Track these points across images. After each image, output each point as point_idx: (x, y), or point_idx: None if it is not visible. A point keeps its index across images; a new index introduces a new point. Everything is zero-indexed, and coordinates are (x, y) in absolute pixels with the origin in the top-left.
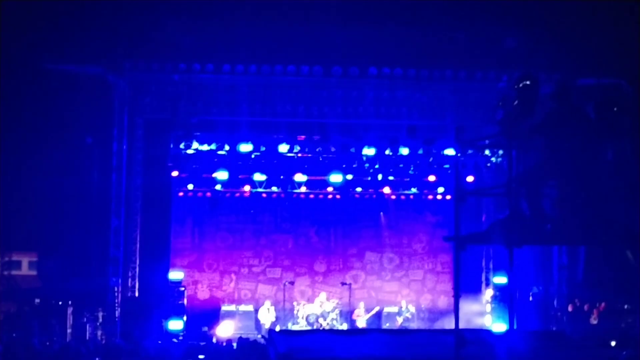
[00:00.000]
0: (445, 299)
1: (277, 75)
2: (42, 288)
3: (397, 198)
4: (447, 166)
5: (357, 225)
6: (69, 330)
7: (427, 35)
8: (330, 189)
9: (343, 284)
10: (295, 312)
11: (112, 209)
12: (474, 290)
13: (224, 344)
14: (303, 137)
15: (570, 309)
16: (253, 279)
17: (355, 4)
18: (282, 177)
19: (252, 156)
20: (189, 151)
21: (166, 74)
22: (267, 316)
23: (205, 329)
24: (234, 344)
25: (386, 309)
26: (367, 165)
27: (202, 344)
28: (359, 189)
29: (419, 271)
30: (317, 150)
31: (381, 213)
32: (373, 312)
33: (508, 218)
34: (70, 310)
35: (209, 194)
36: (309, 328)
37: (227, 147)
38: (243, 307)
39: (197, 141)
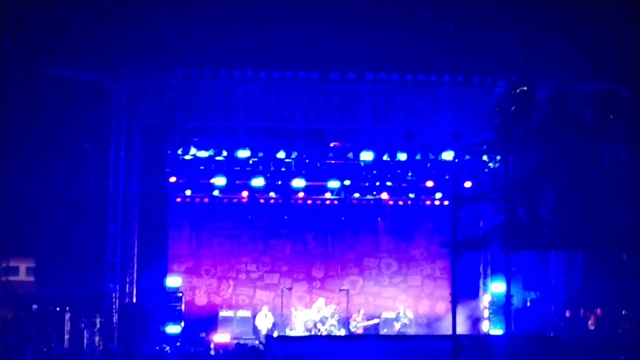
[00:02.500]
0: (443, 304)
1: (275, 80)
2: (40, 294)
3: (394, 204)
4: (446, 177)
5: (355, 231)
6: (66, 337)
7: (424, 41)
8: (328, 194)
9: (341, 289)
10: (293, 318)
11: (110, 215)
12: (472, 295)
13: (222, 350)
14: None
15: (567, 314)
16: (251, 284)
17: (352, 10)
18: (279, 182)
19: (250, 162)
20: (187, 157)
21: (163, 80)
22: (264, 322)
23: (203, 334)
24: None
25: (384, 315)
26: (364, 172)
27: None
28: (356, 195)
29: (417, 277)
30: (315, 156)
31: (379, 219)
32: (372, 322)
33: (505, 223)
34: (67, 316)
35: (206, 199)
36: (306, 334)
37: (224, 153)
38: (241, 313)
39: (194, 147)
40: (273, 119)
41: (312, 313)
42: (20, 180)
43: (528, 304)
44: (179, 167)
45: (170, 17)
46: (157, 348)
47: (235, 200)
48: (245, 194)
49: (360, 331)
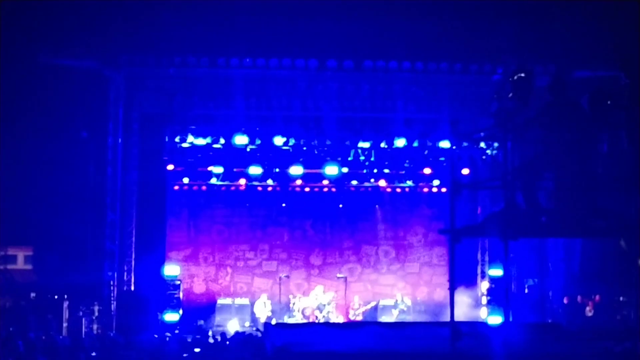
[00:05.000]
0: (441, 291)
1: (272, 68)
2: (38, 282)
3: (392, 191)
4: (442, 159)
5: (353, 218)
6: (65, 324)
7: (422, 28)
8: (325, 182)
9: (339, 277)
10: (291, 305)
11: (108, 203)
12: (470, 282)
13: (219, 338)
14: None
15: (565, 301)
16: (249, 272)
17: None
18: (277, 170)
19: (248, 149)
20: (185, 144)
21: (161, 68)
22: (263, 310)
23: (202, 322)
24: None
25: (382, 302)
26: (362, 158)
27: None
28: (354, 182)
29: (415, 264)
30: (313, 143)
31: (377, 206)
32: (369, 306)
33: (503, 211)
34: (66, 304)
35: (204, 187)
36: (305, 321)
37: (222, 141)
38: (239, 301)
39: (192, 134)
40: (271, 107)
41: (310, 300)
42: (18, 168)
43: (526, 290)
44: (177, 155)
45: (168, 5)
46: (156, 336)
47: (233, 187)
48: (243, 181)
49: (360, 318)
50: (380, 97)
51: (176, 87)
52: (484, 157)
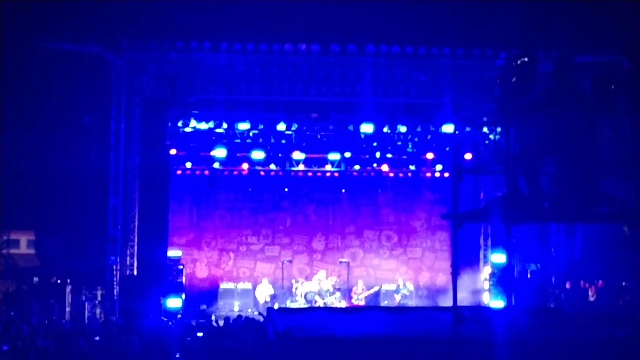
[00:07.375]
0: (443, 276)
1: (275, 53)
2: (41, 267)
3: (395, 176)
4: (447, 149)
5: (356, 203)
6: (67, 309)
7: (425, 13)
8: (328, 166)
9: (341, 262)
10: (293, 290)
11: (111, 188)
12: (472, 267)
13: (221, 322)
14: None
15: (568, 286)
16: (251, 257)
17: None
18: (280, 155)
19: (250, 134)
20: (187, 129)
21: (164, 53)
22: (263, 293)
23: (204, 307)
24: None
25: (384, 287)
26: (364, 144)
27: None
28: (357, 167)
29: (417, 249)
30: (316, 128)
31: (379, 191)
32: (372, 290)
33: (506, 196)
34: (69, 288)
35: (207, 172)
36: (307, 306)
37: (225, 125)
38: (241, 285)
39: (195, 119)
40: (273, 92)
41: (312, 285)
42: (21, 153)
43: (528, 275)
44: (180, 140)
45: None
46: (158, 320)
47: (235, 172)
48: (245, 166)
49: (362, 303)
50: (383, 83)
51: (178, 71)
52: (486, 142)
